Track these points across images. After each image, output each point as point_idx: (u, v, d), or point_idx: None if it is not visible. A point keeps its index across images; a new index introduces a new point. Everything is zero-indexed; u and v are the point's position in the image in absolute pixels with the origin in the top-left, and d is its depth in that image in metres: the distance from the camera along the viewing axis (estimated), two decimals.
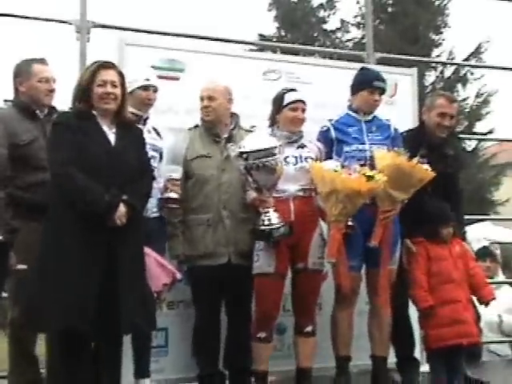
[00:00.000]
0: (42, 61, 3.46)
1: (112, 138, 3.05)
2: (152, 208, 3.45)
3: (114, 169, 2.97)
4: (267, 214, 3.35)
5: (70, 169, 2.90)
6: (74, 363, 2.94)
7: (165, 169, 3.52)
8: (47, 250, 2.93)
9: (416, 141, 3.78)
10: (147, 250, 3.21)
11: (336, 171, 3.39)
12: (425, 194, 3.59)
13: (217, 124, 3.63)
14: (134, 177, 3.04)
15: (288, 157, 3.52)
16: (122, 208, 2.94)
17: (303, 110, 3.60)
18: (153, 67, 3.85)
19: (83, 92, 3.04)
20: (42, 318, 2.87)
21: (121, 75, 3.10)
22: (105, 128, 3.05)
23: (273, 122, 3.65)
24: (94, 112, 3.04)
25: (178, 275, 3.40)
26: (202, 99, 3.62)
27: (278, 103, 3.61)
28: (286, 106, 3.57)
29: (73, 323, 2.82)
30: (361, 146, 3.64)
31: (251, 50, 9.72)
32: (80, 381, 2.95)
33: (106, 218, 2.90)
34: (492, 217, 10.00)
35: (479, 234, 6.71)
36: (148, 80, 3.55)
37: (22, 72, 3.42)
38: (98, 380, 3.06)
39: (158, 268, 3.29)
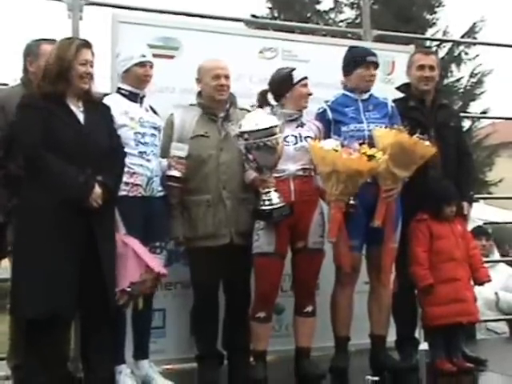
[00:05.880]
0: (51, 41, 3.39)
1: (81, 117, 3.01)
2: (157, 187, 3.39)
3: (86, 149, 2.93)
4: (268, 194, 3.31)
5: (41, 152, 2.85)
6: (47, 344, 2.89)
7: (172, 146, 3.43)
8: (25, 236, 2.89)
9: (405, 97, 3.91)
10: (129, 239, 3.13)
11: (336, 151, 3.35)
12: (430, 169, 3.59)
13: (223, 103, 3.59)
14: (106, 156, 3.01)
15: (288, 136, 3.48)
16: (97, 189, 2.91)
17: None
18: (147, 45, 3.77)
19: (66, 70, 2.97)
20: (27, 304, 2.82)
21: (93, 55, 3.09)
22: (73, 107, 3.01)
23: (263, 102, 3.60)
24: (64, 92, 2.98)
25: (162, 270, 3.20)
26: (217, 77, 3.53)
27: (287, 82, 3.55)
28: (297, 83, 3.55)
29: (58, 311, 2.82)
30: (359, 126, 3.61)
31: None
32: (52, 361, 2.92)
33: (81, 201, 2.87)
34: (485, 196, 9.99)
35: (473, 214, 6.71)
36: (144, 56, 3.45)
37: (32, 52, 3.42)
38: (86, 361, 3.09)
39: (133, 261, 3.08)
